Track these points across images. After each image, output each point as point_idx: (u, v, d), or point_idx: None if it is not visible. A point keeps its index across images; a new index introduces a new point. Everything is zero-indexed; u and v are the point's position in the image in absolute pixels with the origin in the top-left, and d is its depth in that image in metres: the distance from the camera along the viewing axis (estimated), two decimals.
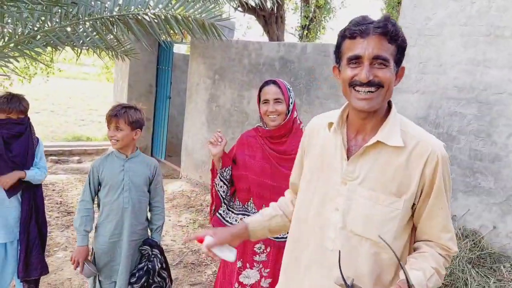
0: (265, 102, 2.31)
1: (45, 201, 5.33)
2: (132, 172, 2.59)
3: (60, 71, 9.52)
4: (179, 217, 5.18)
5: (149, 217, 2.74)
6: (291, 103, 2.31)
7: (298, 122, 2.39)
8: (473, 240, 3.46)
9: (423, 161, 1.32)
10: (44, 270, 2.93)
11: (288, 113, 2.30)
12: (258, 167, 2.36)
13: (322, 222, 1.43)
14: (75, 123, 11.91)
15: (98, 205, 2.66)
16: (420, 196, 1.35)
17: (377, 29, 1.28)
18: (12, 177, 2.69)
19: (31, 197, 2.84)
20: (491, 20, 3.42)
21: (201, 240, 1.56)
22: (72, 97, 16.63)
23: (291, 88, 2.36)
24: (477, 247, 3.42)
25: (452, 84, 3.61)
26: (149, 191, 2.68)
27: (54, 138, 9.61)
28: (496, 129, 3.42)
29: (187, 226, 4.91)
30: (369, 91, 1.30)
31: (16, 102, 2.76)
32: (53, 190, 5.86)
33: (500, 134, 3.40)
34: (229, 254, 1.56)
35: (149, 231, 2.74)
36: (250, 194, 2.41)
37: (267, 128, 2.36)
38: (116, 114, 2.49)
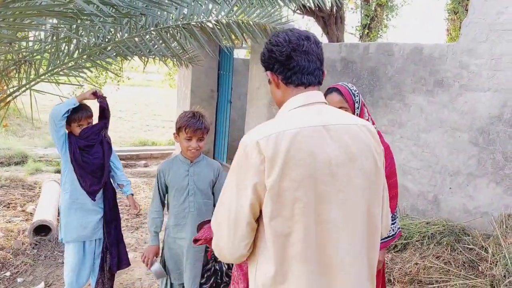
0: None
1: None
2: (197, 177, 2.65)
3: (128, 79, 9.96)
4: None
5: None
6: (358, 107, 2.25)
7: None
8: None
9: None
10: (129, 263, 3.22)
11: None
12: None
13: None
14: (141, 128, 12.42)
15: (168, 207, 2.76)
16: None
17: None
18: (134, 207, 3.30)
19: (112, 199, 3.05)
20: None
21: None
22: (137, 103, 17.38)
23: (356, 92, 2.29)
24: None
25: None
26: (213, 193, 2.74)
27: (122, 143, 10.09)
28: None
29: None
30: None
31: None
32: (123, 193, 6.13)
33: None
34: None
35: None
36: None
37: None
38: (201, 127, 2.53)
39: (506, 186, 3.59)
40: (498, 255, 3.21)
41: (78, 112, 2.88)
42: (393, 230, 2.33)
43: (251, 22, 4.08)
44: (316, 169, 1.30)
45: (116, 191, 3.23)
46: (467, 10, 9.32)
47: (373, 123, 2.33)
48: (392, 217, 2.23)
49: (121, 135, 10.98)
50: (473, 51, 3.75)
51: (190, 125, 2.51)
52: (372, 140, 1.44)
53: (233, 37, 4.29)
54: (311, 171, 1.30)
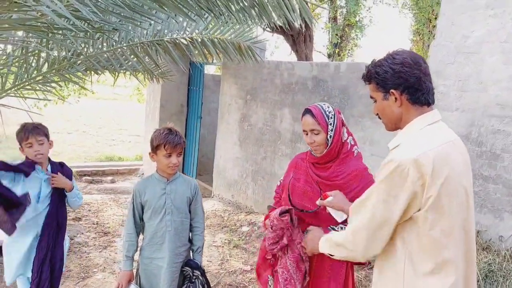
0: (305, 133, 2.27)
1: (82, 222, 5.46)
2: (174, 195, 2.60)
3: (93, 93, 9.77)
4: (214, 237, 5.18)
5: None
6: (332, 129, 2.20)
7: (350, 145, 2.27)
8: None
9: None
10: None
11: (329, 140, 2.21)
12: (301, 190, 2.33)
13: None
14: (106, 143, 12.16)
15: (142, 228, 2.69)
16: None
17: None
18: (65, 182, 2.81)
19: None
20: None
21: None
22: (102, 117, 17.04)
23: (331, 113, 2.23)
24: None
25: (494, 101, 3.54)
26: (189, 211, 2.69)
27: (87, 158, 9.83)
28: None
29: (223, 247, 4.91)
30: None
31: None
32: (89, 210, 5.96)
33: None
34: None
35: (190, 251, 2.75)
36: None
37: (313, 154, 2.31)
38: (180, 142, 2.50)
39: (475, 203, 3.70)
40: None
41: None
42: None
43: (225, 40, 4.09)
44: (460, 181, 1.53)
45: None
46: (430, 32, 9.73)
47: (355, 144, 2.32)
48: None
49: (85, 150, 10.71)
50: (441, 72, 3.88)
51: (169, 141, 2.47)
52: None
53: (207, 53, 4.28)
54: (458, 183, 1.52)
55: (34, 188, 2.72)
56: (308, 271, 2.28)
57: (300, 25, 8.47)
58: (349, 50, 9.09)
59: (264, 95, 5.92)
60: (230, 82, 6.56)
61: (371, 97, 1.72)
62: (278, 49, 10.74)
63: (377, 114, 1.74)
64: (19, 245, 2.76)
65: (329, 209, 2.11)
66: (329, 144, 2.21)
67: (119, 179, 8.26)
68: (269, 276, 2.40)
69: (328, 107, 2.26)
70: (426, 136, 1.56)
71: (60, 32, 3.18)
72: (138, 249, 2.69)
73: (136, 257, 2.68)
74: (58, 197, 2.83)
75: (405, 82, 1.59)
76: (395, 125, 1.68)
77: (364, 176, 2.21)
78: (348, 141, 2.27)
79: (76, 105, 9.76)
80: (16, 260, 2.76)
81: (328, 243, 1.81)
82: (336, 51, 8.81)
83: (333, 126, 2.21)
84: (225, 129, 6.67)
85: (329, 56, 9.13)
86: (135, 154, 10.18)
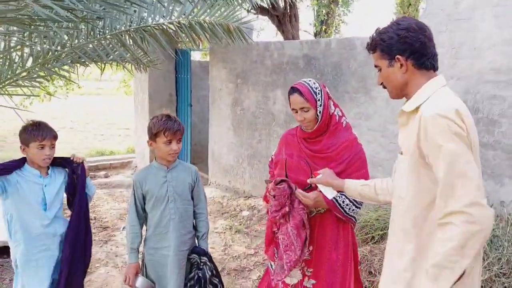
0: (294, 111, 2.30)
1: None
2: (175, 182, 2.55)
3: (79, 87, 9.61)
4: (215, 223, 5.15)
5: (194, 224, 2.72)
6: (320, 105, 2.24)
7: (338, 116, 2.32)
8: None
9: (417, 122, 1.53)
10: None
11: (319, 115, 2.25)
12: (295, 165, 2.36)
13: None
14: (95, 138, 12.01)
15: (146, 218, 2.64)
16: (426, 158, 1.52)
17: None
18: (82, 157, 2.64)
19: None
20: None
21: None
22: (89, 113, 16.81)
23: (317, 89, 2.26)
24: None
25: (488, 67, 3.52)
26: (192, 198, 2.65)
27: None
28: None
29: (224, 233, 4.89)
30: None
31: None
32: None
33: None
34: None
35: (195, 238, 2.71)
36: None
37: (304, 130, 2.35)
38: (179, 128, 2.45)
39: None
40: None
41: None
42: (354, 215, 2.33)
43: (213, 22, 3.99)
44: (476, 136, 1.54)
45: None
46: (410, 4, 9.65)
47: (343, 115, 2.36)
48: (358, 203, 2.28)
49: (74, 146, 10.55)
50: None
51: (168, 127, 2.41)
52: None
53: (195, 38, 4.19)
54: (476, 137, 1.54)
55: (36, 196, 2.52)
56: (308, 239, 2.29)
57: (285, 4, 8.37)
58: (336, 26, 9.01)
59: (255, 78, 5.84)
60: (219, 66, 6.47)
61: (376, 66, 1.71)
62: (263, 31, 10.60)
63: (381, 83, 1.72)
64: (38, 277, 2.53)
65: (320, 186, 2.16)
66: (319, 119, 2.25)
67: (113, 173, 8.15)
68: (274, 248, 2.42)
69: (314, 83, 2.30)
70: (448, 94, 1.56)
71: (43, 23, 3.07)
72: (142, 240, 2.65)
73: (141, 248, 2.64)
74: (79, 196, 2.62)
75: (410, 48, 1.58)
76: (400, 91, 1.67)
77: (354, 146, 2.29)
78: (335, 113, 2.32)
79: (61, 102, 9.58)
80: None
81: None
82: (323, 29, 8.73)
83: (321, 102, 2.25)
84: (217, 115, 6.60)
85: (315, 34, 9.05)
86: (127, 147, 10.05)
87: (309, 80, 2.32)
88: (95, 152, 9.69)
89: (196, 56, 10.96)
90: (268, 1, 7.95)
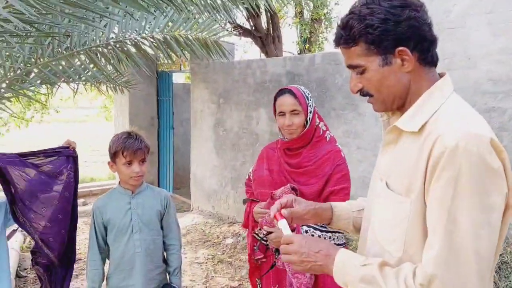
0: (281, 114, 2.07)
1: None
2: (141, 209, 2.24)
3: (57, 112, 9.30)
4: (196, 253, 4.79)
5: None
6: (310, 112, 2.06)
7: (322, 130, 2.13)
8: None
9: (429, 150, 1.02)
10: None
11: (307, 123, 2.07)
12: (276, 182, 2.12)
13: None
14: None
15: (108, 252, 2.30)
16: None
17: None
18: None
19: None
20: None
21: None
22: (74, 139, 16.41)
23: (309, 95, 2.11)
24: None
25: (485, 77, 3.30)
26: (161, 227, 2.33)
27: None
28: None
29: (206, 263, 4.52)
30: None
31: None
32: None
33: None
34: None
35: (166, 274, 2.37)
36: None
37: (285, 139, 2.13)
38: (141, 146, 2.16)
39: None
40: None
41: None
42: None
43: (189, 36, 3.74)
44: None
45: None
46: None
47: (327, 129, 2.16)
48: None
49: None
50: None
51: (127, 146, 2.11)
52: None
53: (171, 54, 3.92)
54: None
55: None
56: None
57: (268, 25, 8.23)
58: (319, 44, 8.87)
59: (238, 97, 5.59)
60: (201, 87, 6.22)
61: (354, 67, 1.12)
62: (247, 54, 10.44)
63: (361, 90, 1.16)
64: None
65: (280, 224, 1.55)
66: (307, 126, 2.07)
67: (92, 200, 7.76)
68: (257, 279, 2.21)
69: (306, 89, 2.15)
70: (466, 107, 1.09)
71: (2, 38, 2.79)
72: (105, 278, 2.30)
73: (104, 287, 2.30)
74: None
75: (417, 33, 1.08)
76: (399, 100, 1.14)
77: (337, 158, 2.06)
78: (320, 126, 2.14)
79: (44, 129, 9.25)
80: None
81: None
82: (307, 47, 8.57)
83: (311, 108, 2.09)
84: (199, 136, 6.30)
85: (299, 53, 8.89)
86: (108, 174, 9.69)
87: (300, 85, 2.18)
88: None
89: (179, 79, 10.75)
90: (251, 23, 7.81)
